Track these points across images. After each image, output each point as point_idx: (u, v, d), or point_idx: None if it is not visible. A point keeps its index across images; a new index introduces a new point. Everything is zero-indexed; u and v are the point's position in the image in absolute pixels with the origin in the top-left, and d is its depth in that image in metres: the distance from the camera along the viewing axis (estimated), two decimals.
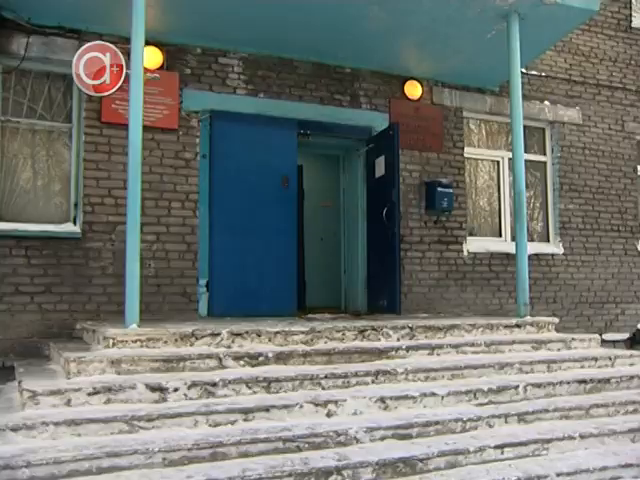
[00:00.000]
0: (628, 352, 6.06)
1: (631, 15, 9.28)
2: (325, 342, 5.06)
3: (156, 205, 6.46)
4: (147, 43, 5.36)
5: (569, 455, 4.12)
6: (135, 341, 4.55)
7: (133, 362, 4.25)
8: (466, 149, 8.20)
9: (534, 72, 8.51)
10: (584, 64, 8.91)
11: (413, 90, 7.83)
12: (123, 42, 5.99)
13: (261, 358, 4.63)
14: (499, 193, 8.54)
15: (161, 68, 6.52)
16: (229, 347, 4.73)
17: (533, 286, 7.76)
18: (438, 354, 5.28)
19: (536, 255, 8.16)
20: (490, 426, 4.31)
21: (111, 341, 4.52)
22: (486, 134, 8.61)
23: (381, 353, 5.03)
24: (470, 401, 4.56)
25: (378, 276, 7.39)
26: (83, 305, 6.08)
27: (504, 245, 8.21)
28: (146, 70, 5.38)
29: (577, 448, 4.22)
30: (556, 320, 6.38)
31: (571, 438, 4.23)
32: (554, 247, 8.52)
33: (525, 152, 6.61)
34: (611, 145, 8.96)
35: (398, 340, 5.37)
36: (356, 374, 4.54)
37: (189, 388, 4.06)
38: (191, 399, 4.04)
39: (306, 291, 8.14)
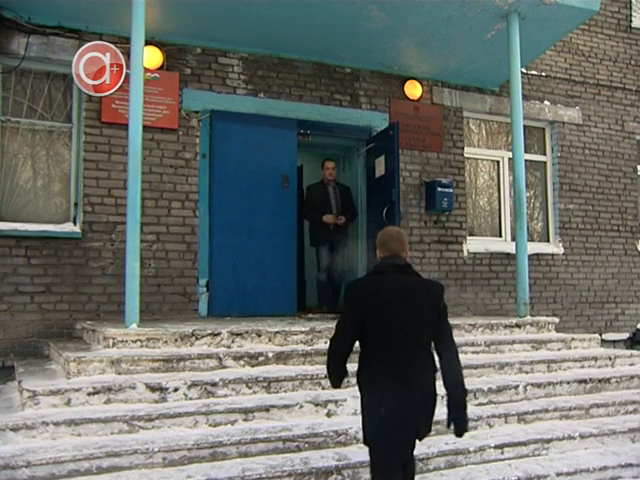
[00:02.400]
0: (628, 352, 6.07)
1: (631, 15, 9.28)
2: (325, 342, 5.06)
3: (156, 205, 6.46)
4: (147, 43, 5.38)
5: (569, 455, 4.13)
6: (135, 341, 4.55)
7: (133, 362, 4.26)
8: (466, 149, 8.20)
9: (534, 72, 8.51)
10: (584, 64, 8.91)
11: (413, 90, 7.82)
12: (123, 42, 5.99)
13: (261, 358, 4.63)
14: (499, 193, 8.54)
15: (161, 68, 6.52)
16: (229, 347, 4.73)
17: (533, 286, 7.77)
18: None
19: (536, 255, 8.16)
20: (490, 426, 4.31)
21: (111, 341, 4.52)
22: (486, 134, 8.61)
23: None
24: (470, 401, 4.56)
25: None
26: (83, 305, 6.07)
27: (504, 245, 8.21)
28: (146, 70, 5.38)
29: (577, 448, 4.23)
30: (556, 320, 6.38)
31: (571, 438, 4.23)
32: (554, 247, 8.52)
33: (525, 152, 6.62)
34: (611, 145, 8.96)
35: None
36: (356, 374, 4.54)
37: (189, 388, 4.07)
38: (191, 399, 4.05)
39: (306, 291, 8.13)
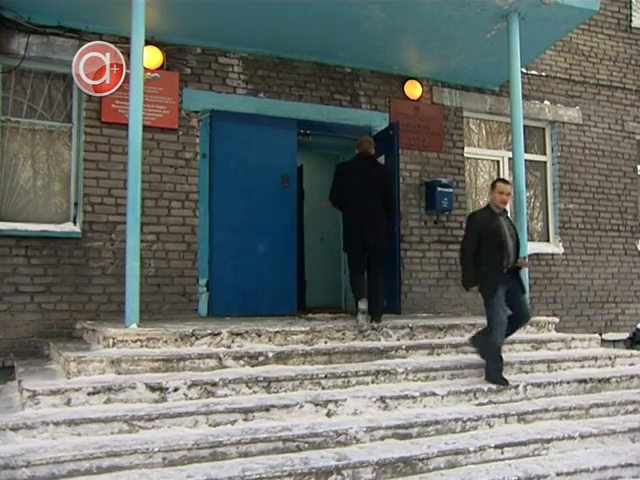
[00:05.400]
0: (628, 352, 6.07)
1: (631, 15, 9.28)
2: (325, 342, 5.07)
3: (156, 205, 6.46)
4: (147, 43, 5.38)
5: (569, 455, 4.13)
6: (135, 341, 4.55)
7: (133, 362, 4.26)
8: (466, 149, 8.20)
9: (534, 72, 8.51)
10: (584, 64, 8.91)
11: (413, 90, 7.82)
12: (123, 42, 5.99)
13: (261, 358, 4.63)
14: None
15: (161, 68, 6.51)
16: (229, 347, 4.73)
17: (533, 286, 7.76)
18: (438, 354, 5.29)
19: (536, 255, 8.16)
20: (490, 426, 4.31)
21: (111, 341, 4.52)
22: (486, 134, 8.61)
23: (381, 353, 5.03)
24: (470, 401, 4.57)
25: None
26: (83, 305, 6.07)
27: None
28: (146, 70, 5.37)
29: (577, 448, 4.23)
30: (556, 320, 6.38)
31: (571, 438, 4.23)
32: (554, 247, 8.51)
33: (525, 152, 6.62)
34: (611, 145, 8.96)
35: (398, 340, 5.38)
36: (356, 374, 4.55)
37: (189, 388, 4.07)
38: (191, 399, 4.04)
39: (306, 291, 8.13)
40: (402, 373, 4.69)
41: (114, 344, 4.51)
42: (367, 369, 4.61)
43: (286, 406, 4.04)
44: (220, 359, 4.50)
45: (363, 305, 5.38)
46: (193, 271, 6.56)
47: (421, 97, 7.87)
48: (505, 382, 4.73)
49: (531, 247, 7.53)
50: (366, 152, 5.97)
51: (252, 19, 6.30)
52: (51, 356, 5.44)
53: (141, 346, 4.55)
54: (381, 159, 7.30)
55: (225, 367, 4.49)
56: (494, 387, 4.66)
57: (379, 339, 5.30)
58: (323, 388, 4.42)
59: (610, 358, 5.62)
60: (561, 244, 8.51)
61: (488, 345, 4.89)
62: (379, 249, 5.70)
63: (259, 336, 4.87)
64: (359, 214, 5.66)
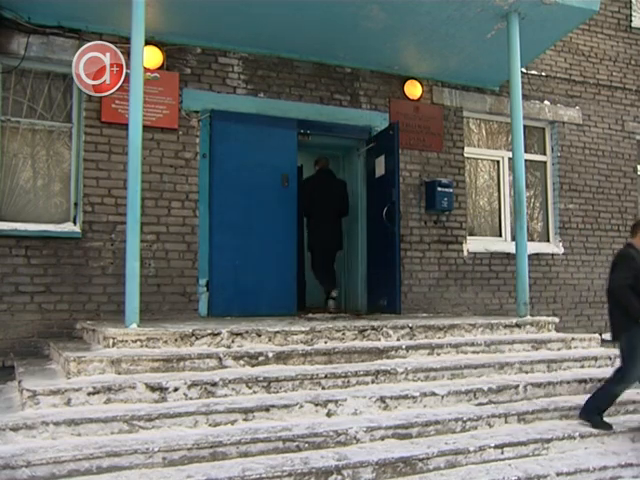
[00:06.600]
0: None
1: (631, 15, 9.28)
2: (325, 342, 5.07)
3: (156, 205, 6.46)
4: (147, 43, 5.38)
5: (569, 455, 4.13)
6: (135, 341, 4.55)
7: (133, 362, 4.26)
8: (466, 149, 8.20)
9: (534, 72, 8.51)
10: (584, 64, 8.91)
11: (413, 90, 7.82)
12: (123, 42, 6.00)
13: (261, 358, 4.63)
14: (499, 193, 8.54)
15: (161, 68, 6.52)
16: (229, 347, 4.73)
17: (533, 286, 7.76)
18: (438, 354, 5.29)
19: (536, 255, 8.16)
20: (490, 426, 4.31)
21: (111, 341, 4.52)
22: (486, 134, 8.61)
23: (381, 353, 5.03)
24: (470, 401, 4.57)
25: (378, 276, 7.38)
26: (83, 305, 6.07)
27: (504, 245, 8.21)
28: (146, 70, 5.38)
29: (577, 448, 4.23)
30: (556, 320, 6.38)
31: (571, 438, 4.24)
32: (554, 247, 8.52)
33: (525, 152, 6.61)
34: (611, 145, 8.96)
35: (398, 340, 5.38)
36: (356, 374, 4.55)
37: (189, 388, 4.07)
38: (191, 399, 4.05)
39: (306, 291, 8.13)
40: (402, 373, 4.69)
41: (114, 344, 4.51)
42: (367, 369, 4.61)
43: (286, 406, 4.04)
44: (220, 359, 4.50)
45: (335, 294, 7.47)
46: (193, 271, 6.56)
47: (421, 97, 7.87)
48: (608, 427, 4.38)
49: (531, 247, 7.54)
50: (325, 167, 7.57)
51: (252, 19, 6.30)
52: (51, 356, 5.44)
53: (141, 346, 4.55)
54: (381, 159, 7.33)
55: (225, 367, 4.49)
56: (494, 387, 4.66)
57: (379, 339, 5.29)
58: (323, 388, 4.42)
59: (610, 358, 5.62)
60: (561, 244, 8.51)
61: (608, 393, 4.50)
62: (337, 249, 7.63)
63: (259, 336, 4.87)
64: (324, 223, 7.35)
